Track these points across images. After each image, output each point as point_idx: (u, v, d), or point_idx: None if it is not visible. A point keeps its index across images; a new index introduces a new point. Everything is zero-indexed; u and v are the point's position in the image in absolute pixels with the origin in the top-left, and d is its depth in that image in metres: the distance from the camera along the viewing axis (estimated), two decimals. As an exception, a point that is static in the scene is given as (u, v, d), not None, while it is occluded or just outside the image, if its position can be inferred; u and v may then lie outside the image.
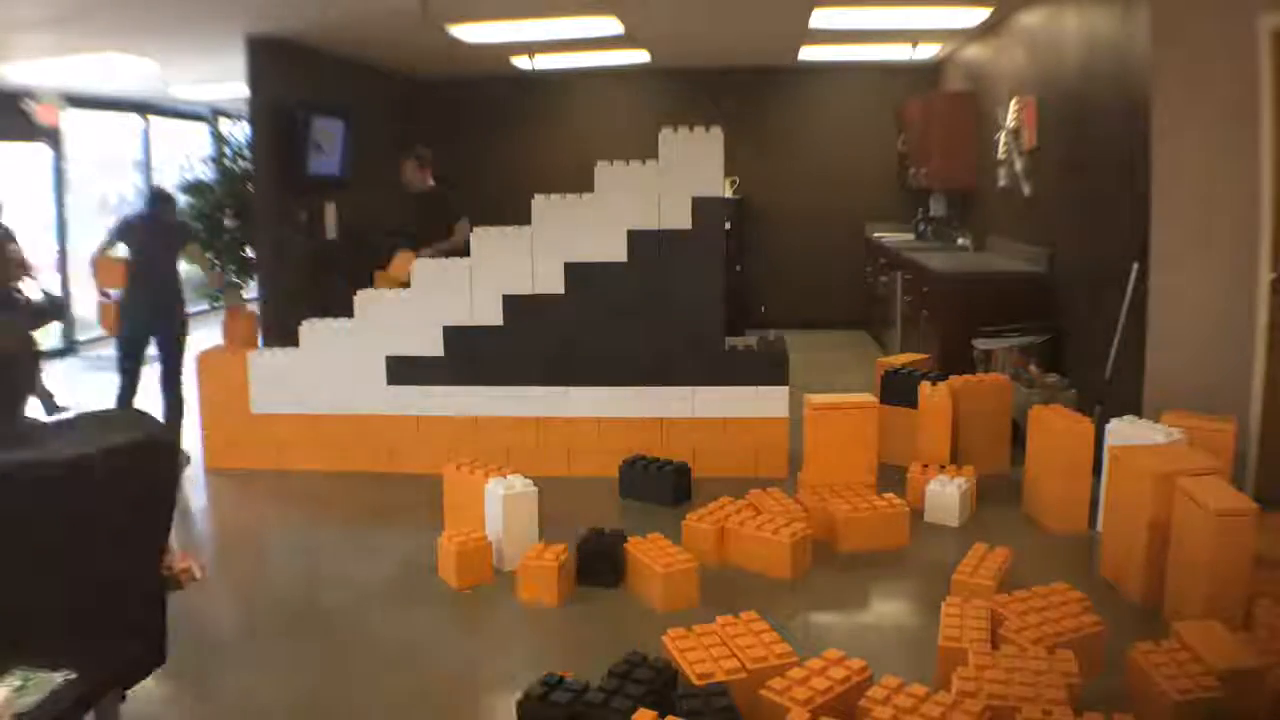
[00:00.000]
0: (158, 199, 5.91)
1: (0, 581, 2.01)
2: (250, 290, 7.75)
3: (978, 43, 7.89)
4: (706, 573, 3.95)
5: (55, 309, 7.47)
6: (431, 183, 6.55)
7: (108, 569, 2.27)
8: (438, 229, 6.26)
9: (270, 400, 5.47)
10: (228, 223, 8.60)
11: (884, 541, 4.20)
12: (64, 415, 2.19)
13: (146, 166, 10.68)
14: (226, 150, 8.79)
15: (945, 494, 4.47)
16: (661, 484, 4.81)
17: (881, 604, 3.86)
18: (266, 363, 5.47)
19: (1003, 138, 6.95)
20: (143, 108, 10.33)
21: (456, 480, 4.35)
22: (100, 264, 5.55)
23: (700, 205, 5.12)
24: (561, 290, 5.18)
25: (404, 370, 5.35)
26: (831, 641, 3.52)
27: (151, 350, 5.64)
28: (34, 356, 2.32)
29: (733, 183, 9.26)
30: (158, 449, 2.19)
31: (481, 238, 5.27)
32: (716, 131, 5.10)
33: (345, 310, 5.40)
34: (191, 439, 5.72)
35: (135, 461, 2.16)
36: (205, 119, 10.95)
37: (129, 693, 2.37)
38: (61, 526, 2.08)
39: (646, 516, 4.61)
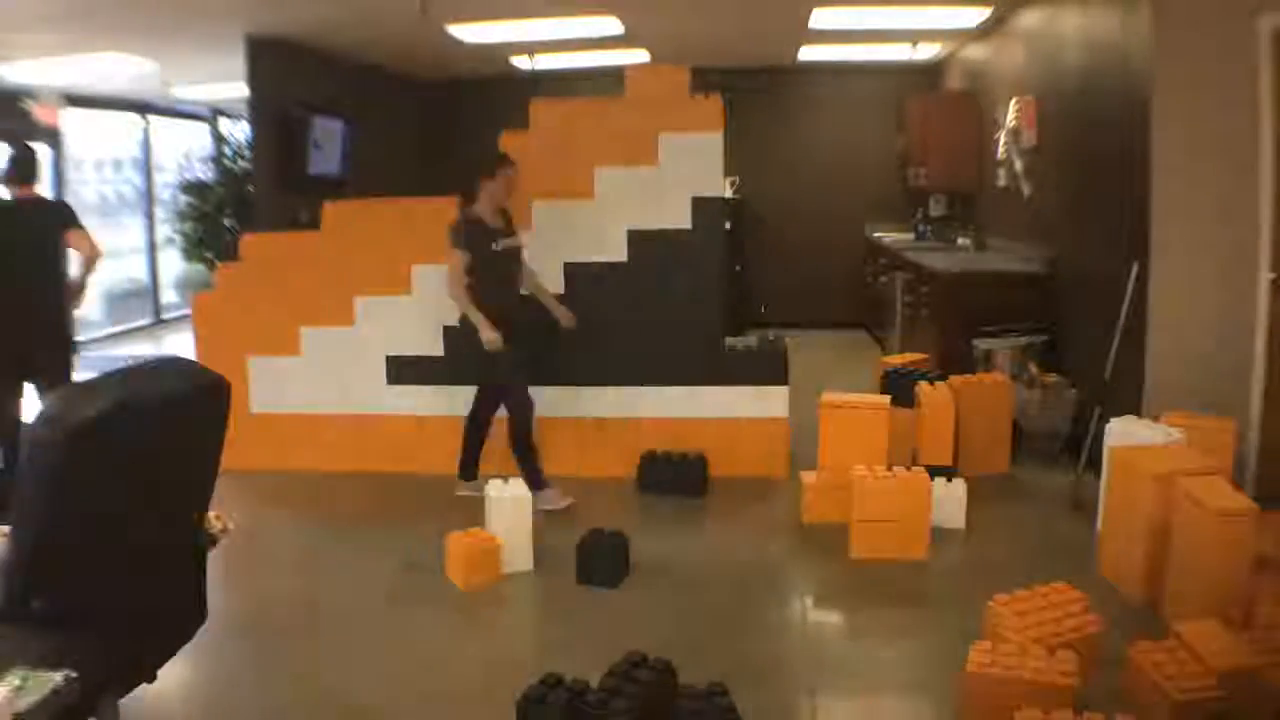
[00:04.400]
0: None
1: (109, 515, 2.05)
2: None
3: (978, 43, 7.89)
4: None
5: None
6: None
7: (187, 510, 2.38)
8: None
9: (270, 400, 5.48)
10: (228, 223, 8.62)
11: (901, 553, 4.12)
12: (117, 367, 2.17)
13: (146, 166, 10.68)
14: (226, 150, 8.80)
15: (950, 497, 4.44)
16: (684, 476, 4.89)
17: (881, 603, 3.86)
18: (266, 363, 5.47)
19: (1003, 138, 6.95)
20: (143, 108, 10.33)
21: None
22: None
23: (700, 205, 5.11)
24: (561, 290, 5.17)
25: (404, 370, 5.35)
26: (829, 640, 3.54)
27: None
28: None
29: (733, 183, 9.25)
30: (224, 389, 2.27)
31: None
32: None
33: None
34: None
35: (214, 400, 2.25)
36: (205, 119, 10.96)
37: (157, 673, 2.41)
38: (161, 462, 2.16)
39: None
